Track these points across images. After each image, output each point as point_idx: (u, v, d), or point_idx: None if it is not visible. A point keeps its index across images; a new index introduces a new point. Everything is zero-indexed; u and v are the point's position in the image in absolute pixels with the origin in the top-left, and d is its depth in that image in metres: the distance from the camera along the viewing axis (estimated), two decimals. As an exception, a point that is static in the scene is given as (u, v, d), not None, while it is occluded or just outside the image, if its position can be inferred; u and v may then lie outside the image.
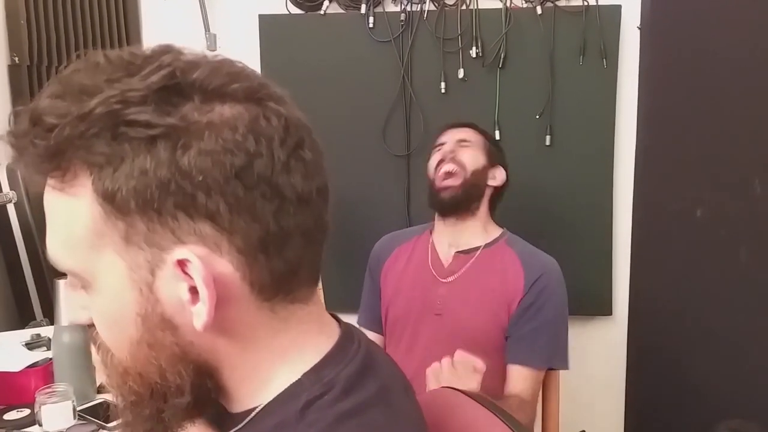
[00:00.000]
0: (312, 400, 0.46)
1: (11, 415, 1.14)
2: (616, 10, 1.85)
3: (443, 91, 1.91)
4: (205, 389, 0.48)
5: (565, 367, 1.40)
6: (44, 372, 1.20)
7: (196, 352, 0.46)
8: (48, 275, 1.56)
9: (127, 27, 2.03)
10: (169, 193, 0.41)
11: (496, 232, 1.45)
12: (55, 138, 0.41)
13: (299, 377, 0.47)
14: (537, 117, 1.88)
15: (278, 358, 0.48)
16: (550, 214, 1.93)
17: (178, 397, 0.46)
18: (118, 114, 0.41)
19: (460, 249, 1.41)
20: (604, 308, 1.98)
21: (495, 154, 1.47)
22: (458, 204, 1.40)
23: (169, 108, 0.42)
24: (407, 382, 0.56)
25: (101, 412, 1.13)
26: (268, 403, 0.47)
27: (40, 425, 1.08)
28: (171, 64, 0.43)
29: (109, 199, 0.42)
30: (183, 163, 0.41)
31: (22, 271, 1.58)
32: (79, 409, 1.12)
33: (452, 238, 1.43)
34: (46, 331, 1.34)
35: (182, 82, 0.43)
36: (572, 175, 1.91)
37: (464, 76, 1.89)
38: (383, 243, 1.54)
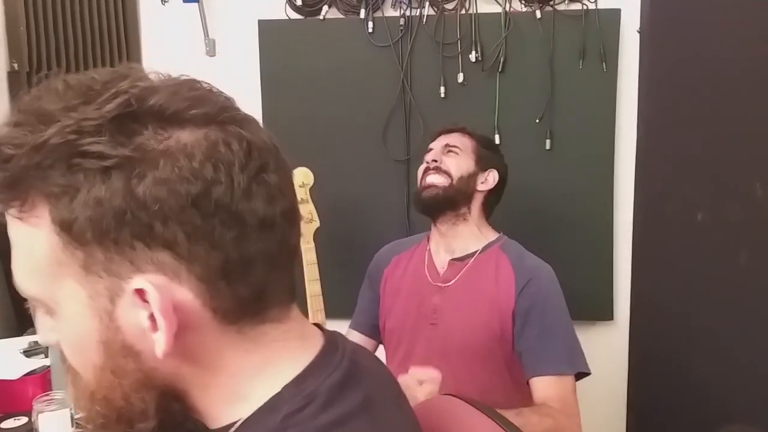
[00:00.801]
0: (292, 413, 0.45)
1: (8, 423, 1.13)
2: (616, 13, 1.85)
3: (443, 95, 1.90)
4: (172, 413, 0.47)
5: (587, 371, 1.33)
6: (42, 380, 1.19)
7: (161, 378, 0.46)
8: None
9: (127, 33, 2.04)
10: (125, 222, 0.41)
11: (492, 235, 1.41)
12: (11, 169, 0.41)
13: (279, 390, 0.46)
14: (537, 121, 1.88)
15: (252, 375, 0.47)
16: (550, 217, 1.92)
17: (142, 421, 0.46)
18: (73, 144, 0.41)
19: (455, 256, 1.39)
20: (605, 313, 1.97)
21: (486, 158, 1.43)
22: (439, 204, 1.37)
23: (122, 138, 0.41)
24: (399, 390, 0.56)
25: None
26: (248, 418, 0.46)
27: (38, 433, 1.08)
28: (127, 92, 0.42)
29: (66, 228, 0.42)
30: (138, 192, 0.41)
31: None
32: (76, 417, 1.12)
33: (447, 245, 1.40)
34: (45, 338, 1.34)
35: (137, 109, 0.42)
36: (572, 179, 1.90)
37: (464, 80, 1.89)
38: (382, 252, 1.53)
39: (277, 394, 0.46)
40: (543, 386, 1.25)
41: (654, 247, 1.79)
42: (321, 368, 0.48)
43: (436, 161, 1.39)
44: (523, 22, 1.86)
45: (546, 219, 1.91)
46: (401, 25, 1.90)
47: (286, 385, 0.47)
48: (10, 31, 1.70)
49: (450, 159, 1.40)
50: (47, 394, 1.11)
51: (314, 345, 0.51)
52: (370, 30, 1.91)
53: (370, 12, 1.91)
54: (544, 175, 1.89)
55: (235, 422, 0.47)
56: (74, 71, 1.90)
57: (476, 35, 1.87)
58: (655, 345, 1.79)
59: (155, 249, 0.42)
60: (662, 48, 1.74)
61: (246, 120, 0.47)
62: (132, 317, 0.43)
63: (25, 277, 0.46)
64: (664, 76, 1.74)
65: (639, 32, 1.83)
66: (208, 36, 1.99)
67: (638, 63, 1.83)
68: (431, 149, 1.44)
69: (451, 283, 1.37)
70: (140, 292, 0.42)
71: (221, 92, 0.48)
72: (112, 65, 1.96)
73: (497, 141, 1.83)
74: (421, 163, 1.46)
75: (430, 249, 1.44)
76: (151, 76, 0.45)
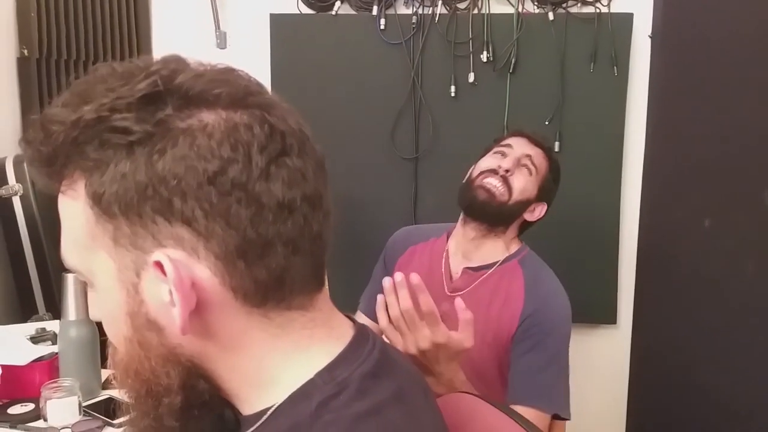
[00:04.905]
0: (326, 400, 0.45)
1: (16, 409, 1.13)
2: (628, 18, 1.85)
3: (453, 95, 1.91)
4: (197, 391, 0.48)
5: (568, 416, 1.26)
6: (50, 366, 1.19)
7: (186, 355, 0.47)
8: (51, 269, 1.55)
9: (138, 23, 2.03)
10: (147, 197, 0.43)
11: (514, 247, 1.35)
12: (52, 144, 0.43)
13: (312, 377, 0.47)
14: (546, 123, 1.88)
15: (281, 361, 0.48)
16: (556, 219, 1.91)
17: (167, 396, 0.47)
18: (105, 120, 0.42)
19: (470, 265, 1.32)
20: (609, 316, 1.98)
21: (547, 191, 1.37)
22: (485, 213, 1.29)
23: (147, 115, 0.43)
24: (425, 384, 0.56)
25: (107, 408, 1.13)
26: (281, 404, 0.46)
27: (45, 420, 1.08)
28: (157, 72, 0.44)
29: (96, 202, 0.44)
30: (158, 168, 0.42)
31: (26, 264, 1.57)
32: (84, 404, 1.12)
33: (466, 251, 1.33)
34: (51, 326, 1.34)
35: (164, 89, 0.43)
36: (580, 181, 1.90)
37: (474, 80, 1.89)
38: (399, 238, 1.46)
39: (310, 380, 0.46)
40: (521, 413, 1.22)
41: (659, 252, 1.80)
42: (352, 357, 0.49)
43: (509, 171, 1.29)
44: (536, 23, 1.86)
45: (552, 220, 1.90)
46: (413, 23, 1.90)
47: (319, 372, 0.47)
48: (21, 18, 1.70)
49: (521, 176, 1.31)
50: (55, 381, 1.11)
51: (344, 334, 0.51)
52: (382, 27, 1.91)
53: (383, 9, 1.90)
54: (552, 177, 1.89)
55: (268, 408, 0.47)
56: (84, 60, 1.87)
57: (488, 35, 1.87)
58: (657, 350, 1.80)
59: (175, 224, 0.43)
60: (673, 53, 1.74)
61: (274, 105, 0.47)
62: (155, 291, 0.44)
63: (68, 249, 0.48)
64: (674, 81, 1.74)
65: (651, 37, 1.83)
66: (219, 28, 1.99)
67: (649, 68, 1.84)
68: (509, 145, 1.33)
69: (462, 293, 1.29)
70: (160, 266, 0.43)
71: (252, 78, 0.48)
72: (122, 55, 1.96)
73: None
74: (483, 152, 1.36)
75: (448, 249, 1.37)
76: (191, 63, 0.46)
